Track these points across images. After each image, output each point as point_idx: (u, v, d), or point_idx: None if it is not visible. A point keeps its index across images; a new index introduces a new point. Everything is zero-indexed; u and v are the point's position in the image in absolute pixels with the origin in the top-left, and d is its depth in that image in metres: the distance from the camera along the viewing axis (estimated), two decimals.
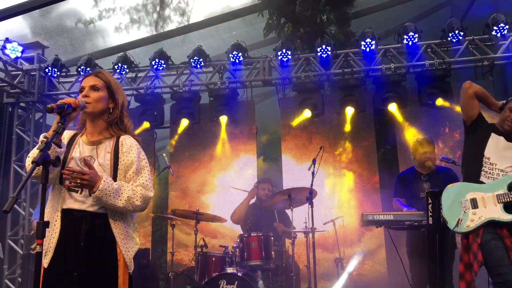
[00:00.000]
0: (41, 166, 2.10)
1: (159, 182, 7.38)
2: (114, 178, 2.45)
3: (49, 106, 2.25)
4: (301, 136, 7.11)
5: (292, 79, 7.01)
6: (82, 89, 2.54)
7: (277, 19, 9.54)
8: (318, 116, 6.95)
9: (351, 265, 6.08)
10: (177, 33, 11.45)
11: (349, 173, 6.87)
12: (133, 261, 2.47)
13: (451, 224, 3.27)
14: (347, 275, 5.68)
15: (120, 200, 2.38)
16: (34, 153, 2.25)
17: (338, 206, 6.73)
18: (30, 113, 7.43)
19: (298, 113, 6.89)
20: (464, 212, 3.27)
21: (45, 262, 2.35)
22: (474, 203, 3.28)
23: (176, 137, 7.27)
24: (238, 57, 6.86)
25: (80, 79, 7.27)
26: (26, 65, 7.35)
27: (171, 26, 12.95)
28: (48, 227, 2.14)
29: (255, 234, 5.07)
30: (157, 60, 7.01)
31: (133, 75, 7.32)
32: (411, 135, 6.48)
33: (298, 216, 5.35)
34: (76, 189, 2.39)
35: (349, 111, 6.73)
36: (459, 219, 3.25)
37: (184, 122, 7.11)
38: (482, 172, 3.38)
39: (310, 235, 5.02)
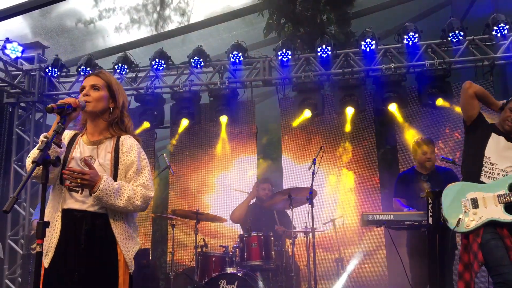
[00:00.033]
0: (41, 166, 2.10)
1: (159, 182, 7.38)
2: (115, 178, 2.45)
3: (49, 106, 2.25)
4: (301, 136, 7.11)
5: (292, 79, 7.01)
6: (83, 88, 2.55)
7: (277, 19, 9.55)
8: (318, 116, 6.95)
9: (351, 265, 6.08)
10: (177, 33, 11.45)
11: (349, 173, 6.87)
12: (133, 261, 2.47)
13: (452, 224, 3.27)
14: (347, 275, 5.68)
15: (121, 200, 2.38)
16: (34, 153, 2.25)
17: (338, 206, 6.72)
18: (30, 113, 7.43)
19: (298, 113, 6.89)
20: (465, 211, 3.27)
21: (46, 262, 2.35)
22: (475, 203, 3.28)
23: (176, 137, 7.28)
24: (238, 57, 6.86)
25: (80, 79, 7.28)
26: (26, 65, 7.35)
27: (171, 26, 12.94)
28: (48, 227, 2.14)
29: (255, 234, 5.07)
30: (157, 60, 7.01)
31: (133, 75, 7.32)
32: (411, 135, 6.48)
33: (298, 216, 5.35)
34: (77, 189, 2.39)
35: (349, 111, 6.73)
36: (460, 218, 3.25)
37: (184, 122, 7.11)
38: (483, 172, 3.38)
39: (310, 235, 5.02)
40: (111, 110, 2.56)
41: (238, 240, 5.23)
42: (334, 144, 6.94)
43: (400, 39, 6.61)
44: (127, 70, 7.15)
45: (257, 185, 6.09)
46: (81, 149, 2.50)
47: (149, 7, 12.99)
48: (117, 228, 2.43)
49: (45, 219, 2.15)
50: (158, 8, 13.02)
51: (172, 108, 7.27)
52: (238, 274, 4.81)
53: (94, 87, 2.53)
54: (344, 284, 5.55)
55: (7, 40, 6.79)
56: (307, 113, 6.84)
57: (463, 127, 3.68)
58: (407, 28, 6.50)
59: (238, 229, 6.14)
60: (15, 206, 6.28)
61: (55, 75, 7.30)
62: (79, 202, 2.41)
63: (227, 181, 7.05)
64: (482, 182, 3.35)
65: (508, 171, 3.33)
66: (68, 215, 2.40)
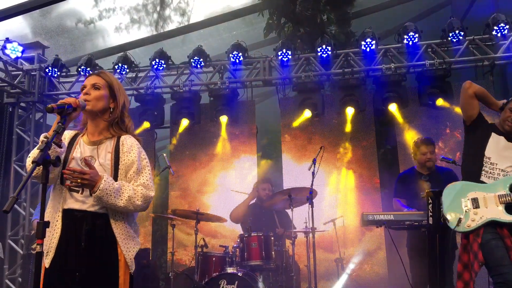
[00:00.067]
0: (41, 166, 2.09)
1: (160, 182, 7.38)
2: (115, 178, 2.45)
3: (49, 106, 2.25)
4: (301, 136, 7.11)
5: (292, 79, 7.01)
6: (84, 88, 2.56)
7: (277, 19, 9.55)
8: (318, 116, 6.95)
9: (351, 265, 6.08)
10: (177, 33, 11.46)
11: (350, 173, 6.87)
12: (134, 261, 2.47)
13: (452, 224, 3.27)
14: (347, 275, 5.68)
15: (121, 199, 2.38)
16: (34, 153, 2.25)
17: (338, 206, 6.72)
18: (30, 113, 7.43)
19: (298, 113, 6.89)
20: (465, 211, 3.27)
21: (47, 262, 2.35)
22: (476, 203, 3.27)
23: (177, 137, 7.27)
24: (238, 57, 6.86)
25: (80, 79, 7.28)
26: (27, 65, 7.35)
27: (171, 26, 12.96)
28: (48, 227, 2.14)
29: (255, 234, 5.06)
30: (157, 60, 7.01)
31: (133, 75, 7.32)
32: (411, 135, 6.48)
33: (298, 216, 5.34)
34: (77, 189, 2.39)
35: (349, 111, 6.72)
36: (460, 218, 3.25)
37: (185, 122, 7.11)
38: (483, 172, 3.38)
39: (310, 235, 5.01)
40: (112, 110, 2.56)
41: (238, 240, 5.22)
42: (334, 144, 6.94)
43: (400, 39, 6.61)
44: (127, 70, 7.15)
45: (257, 185, 6.08)
46: (81, 149, 2.50)
47: (149, 7, 13.00)
48: (118, 228, 2.43)
49: (46, 219, 2.15)
50: (158, 8, 13.02)
51: (172, 108, 7.27)
52: (238, 274, 4.81)
53: (95, 86, 2.54)
54: (344, 284, 5.55)
55: (7, 40, 6.79)
56: (307, 113, 6.83)
57: (463, 127, 3.68)
58: (407, 28, 6.50)
59: (238, 229, 6.14)
60: (15, 206, 6.28)
61: (55, 75, 7.30)
62: (80, 202, 2.41)
63: (227, 181, 7.05)
64: (483, 182, 3.35)
65: (509, 171, 3.33)
66: (69, 215, 2.39)
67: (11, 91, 7.31)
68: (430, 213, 3.56)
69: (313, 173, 5.09)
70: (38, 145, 2.18)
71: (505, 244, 3.15)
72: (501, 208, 3.22)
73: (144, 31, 12.82)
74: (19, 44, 6.88)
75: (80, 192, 2.40)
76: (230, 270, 4.91)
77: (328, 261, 6.26)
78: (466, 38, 6.43)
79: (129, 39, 11.39)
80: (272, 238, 5.11)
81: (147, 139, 7.06)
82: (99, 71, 2.66)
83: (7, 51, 6.80)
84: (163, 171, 6.52)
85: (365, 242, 6.59)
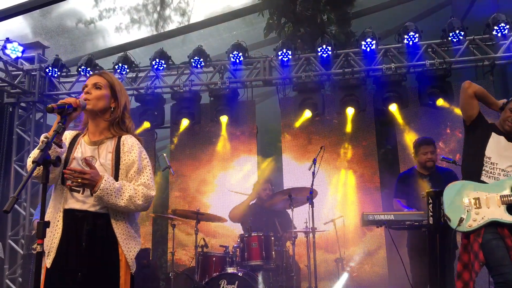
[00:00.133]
0: (41, 166, 2.09)
1: (160, 182, 7.39)
2: (116, 178, 2.45)
3: (49, 106, 2.25)
4: (302, 136, 7.10)
5: (292, 79, 7.01)
6: (85, 87, 2.56)
7: (277, 19, 9.54)
8: (318, 116, 6.95)
9: (352, 265, 6.08)
10: (177, 33, 11.46)
11: (350, 173, 6.87)
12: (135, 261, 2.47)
13: (453, 223, 3.26)
14: (347, 275, 5.68)
15: (122, 199, 2.38)
16: (35, 153, 2.25)
17: (339, 206, 6.72)
18: (30, 113, 7.43)
19: (299, 113, 6.88)
20: (467, 211, 3.26)
21: (48, 262, 2.36)
22: (477, 203, 3.27)
23: (177, 137, 7.28)
24: (238, 57, 6.86)
25: (80, 79, 7.28)
26: (27, 65, 7.35)
27: (171, 26, 12.96)
28: (48, 227, 2.14)
29: (255, 234, 5.06)
30: (157, 60, 7.01)
31: (134, 75, 7.33)
32: (411, 135, 6.48)
33: (299, 216, 5.34)
34: (78, 189, 2.39)
35: (350, 111, 6.72)
36: (462, 218, 3.24)
37: (185, 122, 7.11)
38: (483, 172, 3.38)
39: (311, 235, 5.01)
40: (112, 110, 2.56)
41: (239, 240, 5.22)
42: (335, 144, 6.94)
43: (400, 39, 6.61)
44: (128, 70, 7.15)
45: (257, 185, 6.08)
46: (82, 149, 2.50)
47: (149, 7, 13.00)
48: (119, 228, 2.43)
49: (47, 219, 2.15)
50: (158, 8, 13.03)
51: (173, 108, 7.27)
52: (239, 274, 4.80)
53: (96, 86, 2.54)
54: (344, 284, 5.55)
55: (8, 40, 6.79)
56: (307, 113, 6.83)
57: (463, 127, 3.68)
58: (407, 28, 6.50)
59: (238, 229, 6.14)
60: (16, 206, 6.29)
61: (56, 75, 7.30)
62: (80, 202, 2.41)
63: (227, 181, 7.05)
64: (483, 182, 3.35)
65: (509, 171, 3.33)
66: (70, 215, 2.40)
67: (11, 91, 7.31)
68: (430, 213, 3.56)
69: (313, 173, 5.09)
70: (38, 145, 2.18)
71: (505, 244, 3.15)
72: (503, 208, 3.22)
73: (144, 31, 12.82)
74: (19, 44, 6.88)
75: (81, 192, 2.41)
76: (230, 270, 4.91)
77: (328, 261, 6.26)
78: (467, 38, 6.43)
79: (129, 39, 11.40)
80: (272, 238, 5.10)
81: (147, 139, 7.05)
82: (101, 71, 2.67)
83: (7, 51, 6.80)
84: (164, 171, 6.52)
85: (366, 242, 6.59)
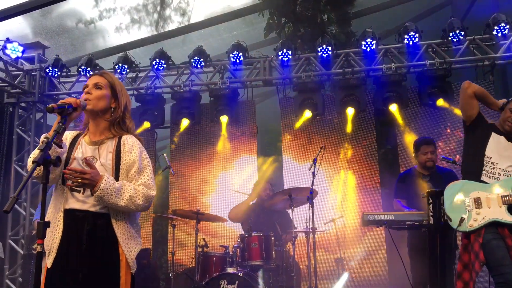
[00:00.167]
0: (41, 166, 2.09)
1: (160, 182, 7.39)
2: (116, 178, 2.45)
3: (49, 106, 2.25)
4: (302, 136, 7.11)
5: (292, 79, 7.01)
6: (86, 87, 2.56)
7: (277, 19, 9.54)
8: (318, 116, 6.95)
9: (352, 265, 6.07)
10: (177, 33, 11.47)
11: (350, 173, 6.87)
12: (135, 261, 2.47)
13: (454, 223, 3.26)
14: (347, 275, 5.68)
15: (122, 199, 2.38)
16: (35, 153, 2.25)
17: (339, 206, 6.72)
18: (30, 113, 7.43)
19: (299, 113, 6.88)
20: (468, 211, 3.26)
21: (49, 262, 2.36)
22: (478, 203, 3.26)
23: (177, 137, 7.28)
24: (238, 57, 6.86)
25: (80, 79, 7.28)
26: (27, 65, 7.35)
27: (171, 26, 12.97)
28: (48, 227, 2.13)
29: (255, 234, 5.06)
30: (157, 60, 7.01)
31: (134, 75, 7.32)
32: (411, 135, 6.48)
33: (299, 216, 5.34)
34: (78, 189, 2.39)
35: (350, 111, 6.72)
36: (462, 218, 3.24)
37: (185, 122, 7.11)
38: (484, 172, 3.38)
39: (311, 235, 5.02)
40: (113, 110, 2.56)
41: (239, 240, 5.22)
42: (335, 144, 6.94)
43: (400, 39, 6.60)
44: (128, 70, 7.15)
45: (257, 185, 6.08)
46: (83, 149, 2.50)
47: (149, 7, 13.01)
48: (119, 228, 2.43)
49: (47, 219, 2.15)
50: (158, 8, 13.03)
51: (173, 108, 7.27)
52: (239, 274, 4.81)
53: (96, 86, 2.54)
54: (344, 284, 5.55)
55: (8, 40, 6.79)
56: (307, 113, 6.83)
57: (463, 127, 3.68)
58: (407, 28, 6.49)
59: (238, 229, 6.14)
60: (16, 206, 6.28)
61: (56, 75, 7.30)
62: (81, 202, 2.41)
63: (227, 181, 7.06)
64: (484, 182, 3.35)
65: (509, 171, 3.33)
66: (70, 215, 2.40)
67: (12, 91, 7.31)
68: (430, 213, 3.56)
69: (313, 173, 5.09)
70: (38, 145, 2.18)
71: (506, 244, 3.15)
72: (503, 208, 3.21)
73: (145, 31, 12.83)
74: (20, 44, 6.88)
75: (81, 192, 2.41)
76: (230, 270, 4.91)
77: (328, 261, 6.26)
78: (467, 38, 6.43)
79: (129, 39, 11.40)
80: (273, 238, 5.10)
81: (147, 139, 7.05)
82: (101, 71, 2.67)
83: (7, 51, 6.80)
84: (164, 171, 6.52)
85: (366, 242, 6.59)
